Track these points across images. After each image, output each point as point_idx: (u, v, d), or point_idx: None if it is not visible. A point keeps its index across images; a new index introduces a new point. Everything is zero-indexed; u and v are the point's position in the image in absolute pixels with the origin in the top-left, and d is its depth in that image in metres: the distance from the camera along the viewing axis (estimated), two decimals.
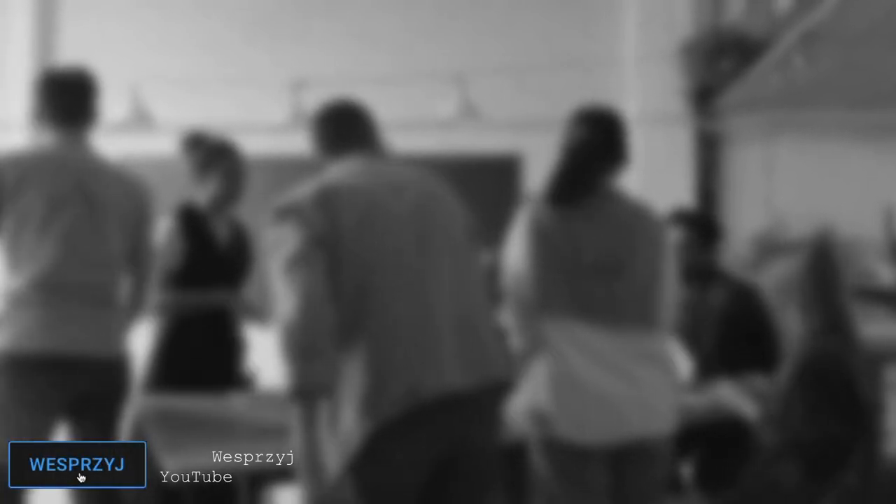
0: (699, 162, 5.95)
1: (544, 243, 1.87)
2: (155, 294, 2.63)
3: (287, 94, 5.90)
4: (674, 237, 2.85)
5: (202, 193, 2.81)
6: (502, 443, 1.92)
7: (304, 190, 1.74)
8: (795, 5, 4.34)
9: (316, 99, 5.94)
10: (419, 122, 5.16)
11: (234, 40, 6.54)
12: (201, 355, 2.67)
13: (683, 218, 2.99)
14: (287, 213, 1.66)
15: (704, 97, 5.67)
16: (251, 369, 3.05)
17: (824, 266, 2.02)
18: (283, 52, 6.39)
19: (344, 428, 1.56)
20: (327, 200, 1.69)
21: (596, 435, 1.78)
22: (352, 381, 1.60)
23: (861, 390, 1.91)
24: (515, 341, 1.92)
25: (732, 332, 2.82)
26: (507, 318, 1.94)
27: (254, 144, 6.46)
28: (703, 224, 2.99)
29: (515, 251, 1.93)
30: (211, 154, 2.79)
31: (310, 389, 1.50)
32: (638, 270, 1.91)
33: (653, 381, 1.84)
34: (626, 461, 1.84)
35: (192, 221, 2.71)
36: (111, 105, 6.13)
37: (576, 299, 1.82)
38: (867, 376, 1.94)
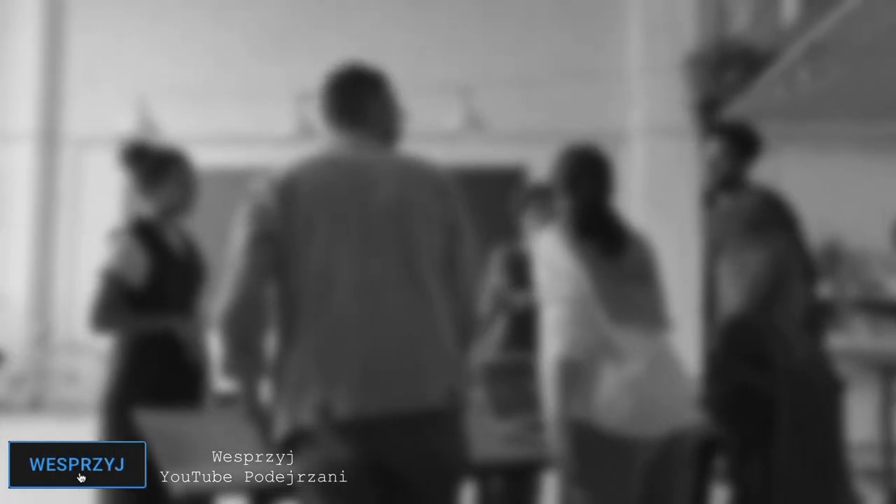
0: (704, 173, 5.95)
1: (591, 259, 1.99)
2: (116, 314, 2.53)
3: (293, 105, 5.93)
4: (711, 150, 2.85)
5: (150, 205, 2.70)
6: (484, 463, 1.91)
7: (273, 176, 1.70)
8: (801, 17, 4.34)
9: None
10: (425, 134, 5.16)
11: (242, 52, 6.56)
12: (162, 378, 2.59)
13: (722, 128, 2.88)
14: (247, 203, 1.68)
15: (709, 109, 5.67)
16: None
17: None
18: (290, 65, 6.40)
19: (280, 410, 1.64)
20: (290, 193, 1.65)
21: (649, 427, 1.89)
22: (288, 376, 1.64)
23: (773, 352, 2.03)
24: (567, 350, 1.91)
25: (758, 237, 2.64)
26: (553, 329, 1.94)
27: (260, 155, 6.51)
28: (740, 134, 2.86)
29: (563, 271, 1.96)
30: (160, 163, 2.70)
31: (238, 377, 1.67)
32: (655, 276, 2.10)
33: (678, 376, 2.00)
34: (659, 463, 1.91)
35: (148, 235, 2.63)
36: (118, 116, 6.19)
37: (624, 306, 1.97)
38: (788, 349, 2.07)
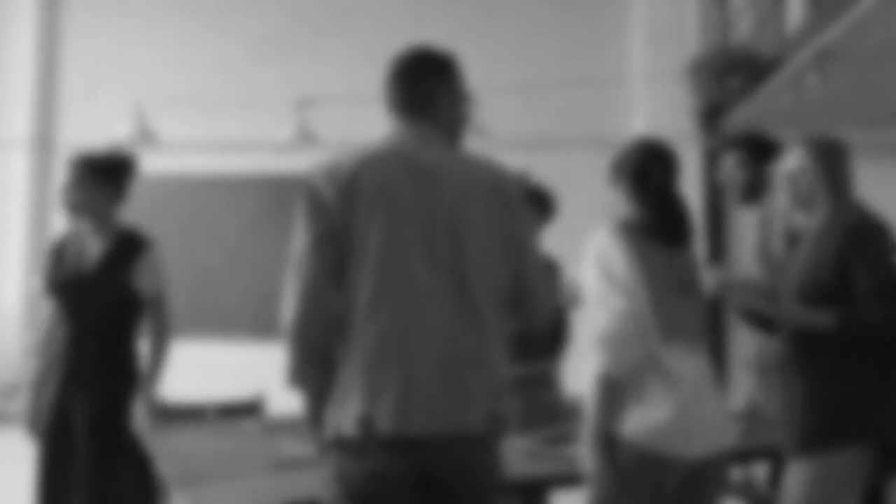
0: (707, 180, 5.90)
1: (649, 265, 1.88)
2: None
3: (293, 112, 5.87)
4: (729, 163, 2.94)
5: None
6: (509, 482, 1.84)
7: (333, 169, 1.58)
8: (807, 24, 4.29)
9: (321, 117, 5.94)
10: None
11: (241, 59, 6.51)
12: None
13: (732, 141, 3.01)
14: (306, 199, 1.57)
15: (713, 115, 5.62)
16: (257, 397, 2.93)
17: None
18: (289, 71, 6.35)
19: (327, 416, 1.59)
20: (352, 189, 1.56)
21: (693, 449, 1.81)
22: (337, 381, 1.58)
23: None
24: (612, 366, 1.82)
25: None
26: (598, 341, 1.85)
27: (259, 162, 6.45)
28: (749, 142, 2.96)
29: (618, 279, 1.84)
30: None
31: (303, 387, 1.61)
32: (700, 289, 2.01)
33: (716, 396, 1.94)
34: (692, 484, 1.84)
35: (58, 242, 2.74)
36: (115, 123, 6.12)
37: (674, 320, 1.89)
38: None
